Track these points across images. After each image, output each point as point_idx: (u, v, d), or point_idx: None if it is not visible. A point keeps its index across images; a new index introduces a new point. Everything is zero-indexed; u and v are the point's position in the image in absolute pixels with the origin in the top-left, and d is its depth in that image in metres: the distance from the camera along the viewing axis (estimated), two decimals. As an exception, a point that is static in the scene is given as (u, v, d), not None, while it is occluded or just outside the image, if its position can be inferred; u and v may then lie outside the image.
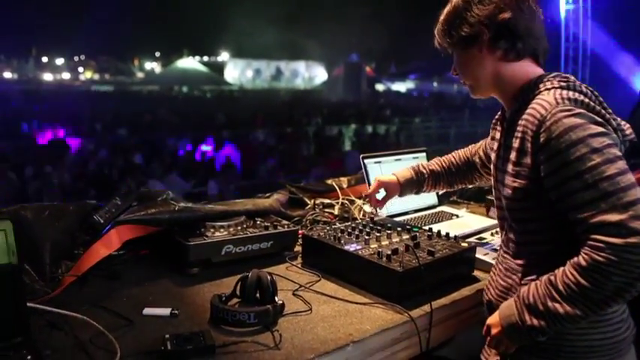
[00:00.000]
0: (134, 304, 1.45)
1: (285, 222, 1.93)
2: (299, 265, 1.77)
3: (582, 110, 1.24)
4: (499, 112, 1.56)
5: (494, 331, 1.35)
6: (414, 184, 1.95)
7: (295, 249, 1.88)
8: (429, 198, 2.45)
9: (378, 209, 2.04)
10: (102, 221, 1.73)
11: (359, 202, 2.32)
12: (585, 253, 1.17)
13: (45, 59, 50.53)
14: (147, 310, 1.41)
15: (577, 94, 1.28)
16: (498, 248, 1.55)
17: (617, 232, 1.12)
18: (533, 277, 1.34)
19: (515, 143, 1.35)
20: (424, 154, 2.51)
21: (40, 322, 1.30)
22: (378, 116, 18.73)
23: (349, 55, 32.15)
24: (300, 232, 1.91)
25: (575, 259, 1.19)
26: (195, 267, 1.68)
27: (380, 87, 37.43)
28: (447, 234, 1.77)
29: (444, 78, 36.09)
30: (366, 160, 2.27)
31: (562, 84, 1.32)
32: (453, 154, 1.99)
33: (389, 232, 1.76)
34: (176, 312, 1.40)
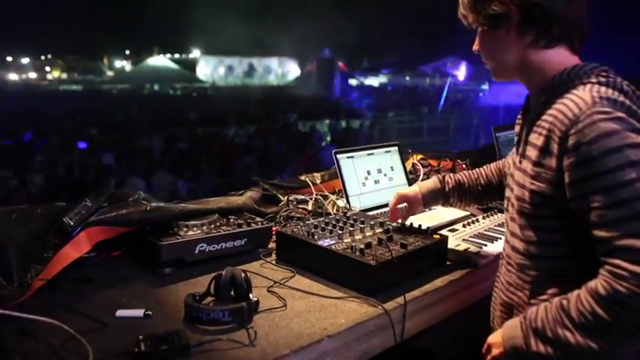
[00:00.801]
0: (107, 306, 1.43)
1: (258, 219, 1.92)
2: (273, 262, 1.77)
3: (622, 114, 1.09)
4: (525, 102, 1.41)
5: (495, 351, 1.27)
6: (439, 194, 1.79)
7: (269, 245, 1.88)
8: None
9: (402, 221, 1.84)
10: (72, 223, 1.70)
11: (332, 197, 2.33)
12: (605, 280, 1.06)
13: (9, 58, 49.21)
14: (120, 312, 1.39)
15: (617, 94, 1.13)
16: (501, 259, 1.46)
17: None
18: (544, 297, 1.24)
19: (539, 141, 1.21)
20: (396, 147, 2.53)
21: (10, 328, 1.27)
22: (351, 111, 18.80)
23: (321, 50, 32.16)
24: (273, 228, 1.91)
25: (593, 284, 1.09)
26: (168, 267, 1.66)
27: (353, 82, 37.54)
28: (420, 226, 1.79)
29: (416, 72, 36.43)
30: (338, 156, 2.28)
31: (601, 79, 1.17)
32: (483, 167, 1.81)
33: (362, 226, 1.78)
34: (150, 313, 1.38)
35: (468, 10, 1.33)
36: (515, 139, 1.42)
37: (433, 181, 1.82)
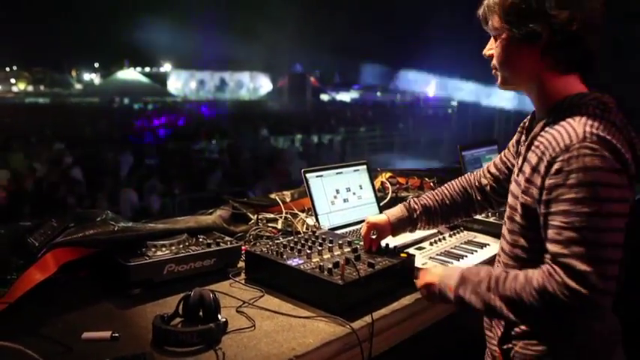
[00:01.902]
0: (72, 329, 1.41)
1: (227, 238, 1.93)
2: (243, 281, 1.78)
3: (606, 153, 1.17)
4: (529, 115, 1.48)
5: (428, 284, 1.45)
6: (407, 221, 1.79)
7: (239, 265, 1.89)
8: (370, 210, 2.51)
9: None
10: (37, 244, 1.67)
11: (302, 215, 2.35)
12: (542, 276, 1.20)
13: (-28, 70, 47.95)
14: (86, 335, 1.38)
15: (607, 131, 1.20)
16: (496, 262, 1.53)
17: (578, 279, 1.14)
18: None
19: (533, 160, 1.29)
20: (364, 166, 2.58)
21: (-29, 353, 1.25)
22: (322, 126, 18.89)
23: (293, 65, 32.33)
24: (243, 247, 1.92)
25: (531, 273, 1.23)
26: (136, 288, 1.65)
27: (325, 97, 37.79)
28: (387, 245, 1.82)
29: (387, 88, 36.86)
30: (307, 175, 2.31)
31: (596, 111, 1.24)
32: (447, 185, 1.83)
33: (330, 245, 1.80)
34: (117, 335, 1.37)
35: (498, 16, 1.33)
36: (513, 147, 1.57)
37: (400, 209, 1.81)
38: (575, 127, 1.21)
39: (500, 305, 1.26)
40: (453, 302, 1.37)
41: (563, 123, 1.25)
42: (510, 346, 1.40)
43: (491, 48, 1.40)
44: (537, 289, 1.19)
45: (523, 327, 1.38)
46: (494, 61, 1.39)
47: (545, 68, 1.31)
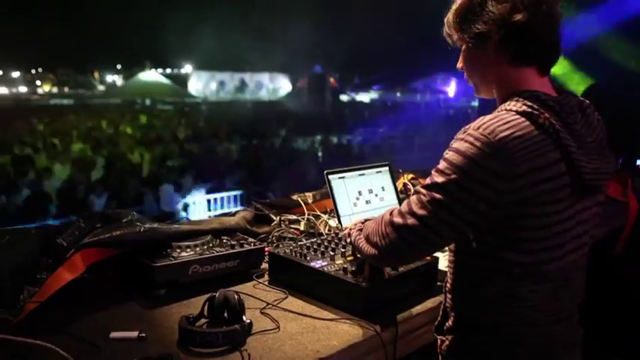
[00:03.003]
0: (100, 328, 1.44)
1: (251, 240, 1.94)
2: (266, 283, 1.78)
3: (484, 148, 1.18)
4: None
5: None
6: None
7: (262, 266, 1.90)
8: (392, 211, 2.50)
9: None
10: (65, 244, 1.71)
11: (324, 217, 2.35)
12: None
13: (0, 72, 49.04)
14: (114, 335, 1.40)
15: (517, 128, 1.19)
16: None
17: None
18: None
19: None
20: (387, 167, 2.56)
21: (2, 351, 1.27)
22: (342, 127, 18.87)
23: (313, 66, 32.37)
24: (266, 249, 1.93)
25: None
26: (162, 288, 1.67)
27: (344, 98, 37.77)
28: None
29: (407, 89, 36.71)
30: (330, 176, 2.31)
31: (519, 108, 1.23)
32: None
33: (354, 247, 1.80)
34: (144, 335, 1.39)
35: (453, 29, 1.39)
36: None
37: None
38: (485, 117, 1.24)
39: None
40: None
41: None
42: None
43: (461, 61, 1.43)
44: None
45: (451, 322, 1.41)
46: (465, 72, 1.43)
47: (502, 65, 1.32)
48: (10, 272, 1.58)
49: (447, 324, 1.42)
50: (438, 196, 1.23)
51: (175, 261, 1.68)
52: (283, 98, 40.31)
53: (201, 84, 47.41)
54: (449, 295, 1.42)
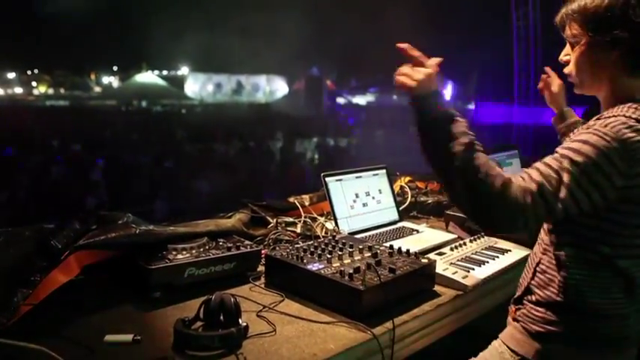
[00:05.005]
0: (95, 331, 1.42)
1: (247, 242, 1.93)
2: (262, 286, 1.77)
3: (613, 144, 1.21)
4: None
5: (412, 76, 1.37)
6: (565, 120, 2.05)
7: (259, 269, 1.89)
8: (389, 214, 2.50)
9: None
10: (60, 246, 1.69)
11: (321, 219, 2.34)
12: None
13: (-5, 73, 48.84)
14: (108, 337, 1.38)
15: (638, 133, 1.23)
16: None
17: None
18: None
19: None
20: (384, 170, 2.56)
21: (-5, 354, 1.26)
22: (339, 129, 18.87)
23: (310, 68, 32.39)
24: (263, 252, 1.92)
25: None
26: (157, 291, 1.66)
27: (341, 100, 37.77)
28: (408, 250, 1.81)
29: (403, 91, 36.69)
30: (327, 179, 2.31)
31: (633, 115, 1.26)
32: None
33: (351, 250, 1.79)
34: (139, 338, 1.38)
35: (577, 23, 1.36)
36: None
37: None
38: (606, 120, 1.26)
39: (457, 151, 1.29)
40: (417, 102, 1.36)
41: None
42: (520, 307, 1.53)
43: (568, 54, 1.43)
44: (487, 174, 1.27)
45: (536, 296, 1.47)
46: (571, 66, 1.42)
47: (620, 72, 1.33)
48: (3, 274, 1.56)
49: (527, 297, 1.51)
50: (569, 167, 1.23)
51: (171, 263, 1.67)
52: (280, 100, 40.30)
53: (197, 86, 47.31)
54: (540, 276, 1.47)
